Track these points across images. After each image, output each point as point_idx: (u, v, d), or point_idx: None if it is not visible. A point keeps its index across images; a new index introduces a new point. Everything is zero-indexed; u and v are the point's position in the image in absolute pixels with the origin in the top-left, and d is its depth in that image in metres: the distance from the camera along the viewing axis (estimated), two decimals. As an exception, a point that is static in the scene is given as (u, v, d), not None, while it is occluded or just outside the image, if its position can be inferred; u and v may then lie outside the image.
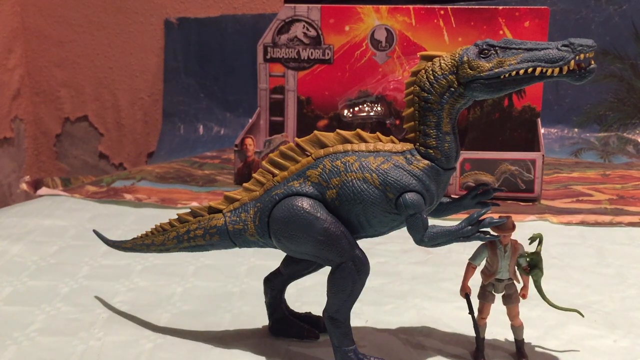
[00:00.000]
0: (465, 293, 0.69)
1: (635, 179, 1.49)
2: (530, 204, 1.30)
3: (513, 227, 0.65)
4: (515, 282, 0.68)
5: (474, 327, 0.69)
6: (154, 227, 0.75)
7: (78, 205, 1.27)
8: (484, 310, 0.69)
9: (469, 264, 0.68)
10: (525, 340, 0.70)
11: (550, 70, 0.59)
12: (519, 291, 0.68)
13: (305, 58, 1.47)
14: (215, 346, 0.73)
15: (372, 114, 1.47)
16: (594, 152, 1.75)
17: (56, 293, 0.87)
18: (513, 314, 0.69)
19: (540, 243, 0.67)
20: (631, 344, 0.74)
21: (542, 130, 1.44)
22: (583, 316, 0.67)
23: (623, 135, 1.82)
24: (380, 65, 1.46)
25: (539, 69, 0.59)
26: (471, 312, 0.69)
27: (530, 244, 0.68)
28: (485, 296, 0.69)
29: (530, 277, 0.68)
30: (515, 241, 0.67)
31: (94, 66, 2.14)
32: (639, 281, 0.91)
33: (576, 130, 1.86)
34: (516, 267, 0.67)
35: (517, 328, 0.70)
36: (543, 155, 1.32)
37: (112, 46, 2.11)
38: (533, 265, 0.67)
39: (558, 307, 0.69)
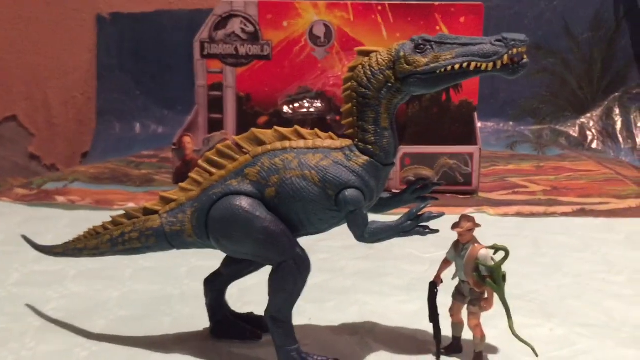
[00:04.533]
0: (431, 282, 0.69)
1: (568, 170, 1.54)
2: (469, 196, 1.32)
3: (462, 225, 0.65)
4: (476, 289, 0.66)
5: (430, 316, 0.69)
6: (87, 230, 0.72)
7: (6, 209, 1.22)
8: (452, 308, 0.70)
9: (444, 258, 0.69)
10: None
11: (484, 65, 0.60)
12: (483, 300, 0.67)
13: (244, 54, 1.45)
14: (155, 351, 0.71)
15: (312, 110, 1.47)
16: (529, 145, 1.80)
17: (-17, 302, 0.83)
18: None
19: (504, 258, 0.65)
20: (567, 332, 0.76)
21: (478, 124, 1.47)
22: (537, 355, 0.66)
23: (556, 128, 1.88)
24: (319, 61, 1.46)
25: (473, 64, 0.60)
26: (430, 302, 0.69)
27: (494, 253, 0.66)
28: (454, 294, 0.69)
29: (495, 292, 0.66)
30: (479, 245, 0.66)
31: (22, 63, 2.05)
32: (573, 270, 0.94)
33: (511, 123, 1.91)
34: (474, 274, 0.65)
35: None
36: (480, 149, 1.35)
37: (42, 42, 2.04)
38: (492, 277, 0.65)
39: (517, 335, 0.66)
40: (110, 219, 0.71)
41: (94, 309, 0.82)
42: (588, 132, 1.87)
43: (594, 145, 1.83)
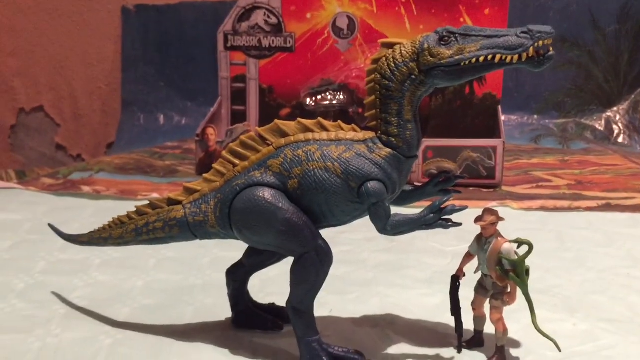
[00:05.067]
0: (454, 275, 0.69)
1: (593, 164, 1.52)
2: (492, 190, 1.31)
3: (485, 219, 0.65)
4: (498, 283, 0.66)
5: (451, 309, 0.69)
6: (112, 220, 0.73)
7: (33, 198, 1.24)
8: (475, 301, 0.70)
9: (467, 251, 0.69)
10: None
11: (509, 58, 0.59)
12: (506, 294, 0.66)
13: (267, 46, 1.45)
14: (178, 340, 0.72)
15: (334, 102, 1.46)
16: (553, 139, 1.78)
17: (11, 289, 0.85)
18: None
19: (528, 252, 0.64)
20: (590, 327, 0.75)
21: (502, 117, 1.46)
22: (560, 350, 0.65)
23: (581, 122, 1.85)
24: (342, 53, 1.45)
25: (498, 56, 0.59)
26: (452, 295, 0.69)
27: (517, 247, 0.66)
28: (477, 288, 0.69)
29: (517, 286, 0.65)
30: (502, 239, 0.65)
31: (48, 55, 2.08)
32: (597, 265, 0.93)
33: (535, 117, 1.88)
34: (497, 268, 0.65)
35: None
36: (504, 142, 1.34)
37: (68, 34, 2.06)
38: (516, 272, 0.64)
39: (540, 330, 0.65)
40: (135, 209, 0.71)
41: (118, 298, 0.83)
42: (614, 126, 1.84)
43: (620, 139, 1.80)
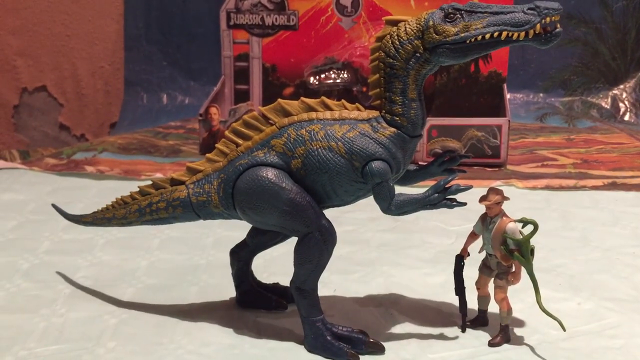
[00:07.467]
0: (458, 255, 0.69)
1: (599, 142, 1.51)
2: (497, 169, 1.31)
3: (490, 198, 0.64)
4: (503, 262, 0.66)
5: (455, 289, 0.69)
6: (115, 200, 0.73)
7: (37, 178, 1.24)
8: (479, 281, 0.69)
9: (472, 231, 0.69)
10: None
11: (516, 35, 0.58)
12: (510, 274, 0.66)
13: (270, 24, 1.44)
14: (182, 320, 0.72)
15: (338, 81, 1.45)
16: (559, 117, 1.77)
17: (16, 269, 0.85)
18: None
19: (533, 231, 0.63)
20: (595, 306, 0.75)
21: (508, 96, 1.44)
22: (564, 330, 0.65)
23: (587, 100, 1.84)
24: (346, 31, 1.44)
25: (505, 33, 0.58)
26: (457, 275, 0.69)
27: (522, 227, 0.65)
28: (481, 267, 0.69)
29: (522, 265, 0.65)
30: (507, 219, 0.65)
31: (51, 34, 2.06)
32: (602, 244, 0.93)
33: (541, 95, 1.87)
34: (502, 247, 0.65)
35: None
36: (509, 121, 1.33)
37: (70, 13, 2.04)
38: (521, 251, 0.64)
39: (544, 309, 0.65)
40: (138, 189, 0.71)
41: (123, 277, 0.83)
42: (620, 104, 1.82)
43: (626, 118, 1.79)
